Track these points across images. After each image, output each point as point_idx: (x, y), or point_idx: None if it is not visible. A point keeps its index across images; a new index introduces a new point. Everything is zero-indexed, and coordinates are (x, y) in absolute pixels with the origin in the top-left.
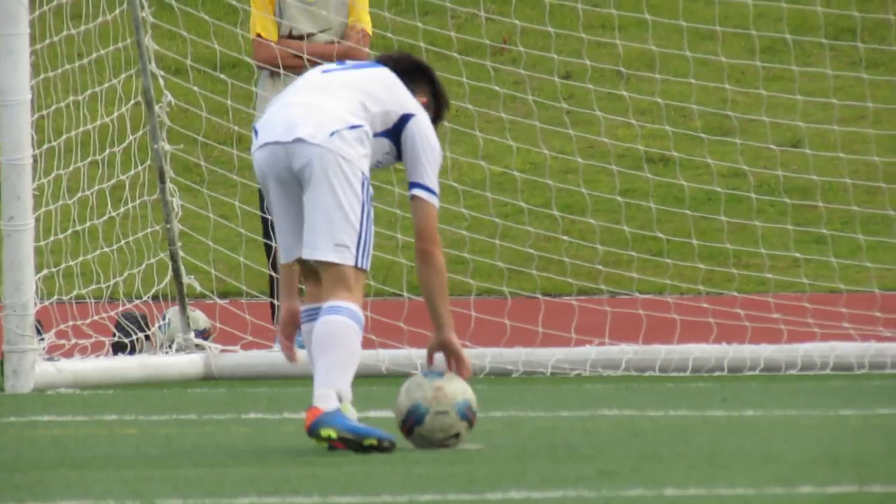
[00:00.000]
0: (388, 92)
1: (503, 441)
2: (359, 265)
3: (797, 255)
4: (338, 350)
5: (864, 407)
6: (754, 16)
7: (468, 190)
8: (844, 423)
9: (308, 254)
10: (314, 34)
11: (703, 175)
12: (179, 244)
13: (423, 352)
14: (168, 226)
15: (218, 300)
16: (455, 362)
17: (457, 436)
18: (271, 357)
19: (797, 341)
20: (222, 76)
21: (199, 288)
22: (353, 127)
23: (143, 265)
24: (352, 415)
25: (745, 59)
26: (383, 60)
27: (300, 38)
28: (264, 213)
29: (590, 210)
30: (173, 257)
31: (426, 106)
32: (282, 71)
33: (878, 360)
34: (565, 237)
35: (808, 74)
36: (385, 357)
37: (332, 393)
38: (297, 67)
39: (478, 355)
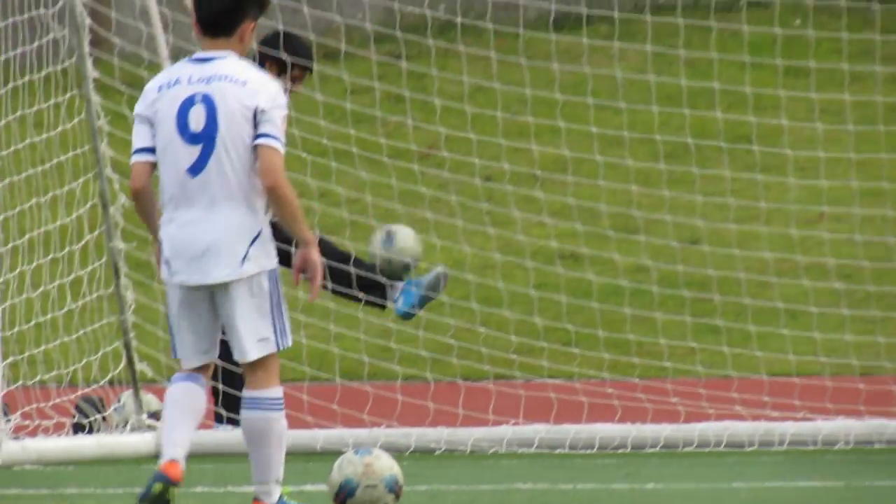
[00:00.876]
0: (238, 118)
1: None
2: (279, 349)
3: (693, 344)
4: (269, 446)
5: (755, 480)
6: (658, 123)
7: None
8: (736, 495)
9: (240, 357)
10: None
11: (610, 270)
12: (133, 334)
13: (356, 431)
14: (122, 317)
15: (168, 383)
16: (310, 278)
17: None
18: (216, 436)
19: (693, 421)
20: None
21: (150, 374)
22: (254, 240)
23: (100, 353)
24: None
25: (649, 163)
26: (217, 27)
27: None
28: None
29: (506, 303)
30: (127, 346)
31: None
32: None
33: (767, 439)
34: (482, 329)
35: (706, 177)
36: (320, 436)
37: (272, 486)
38: None
39: (404, 435)
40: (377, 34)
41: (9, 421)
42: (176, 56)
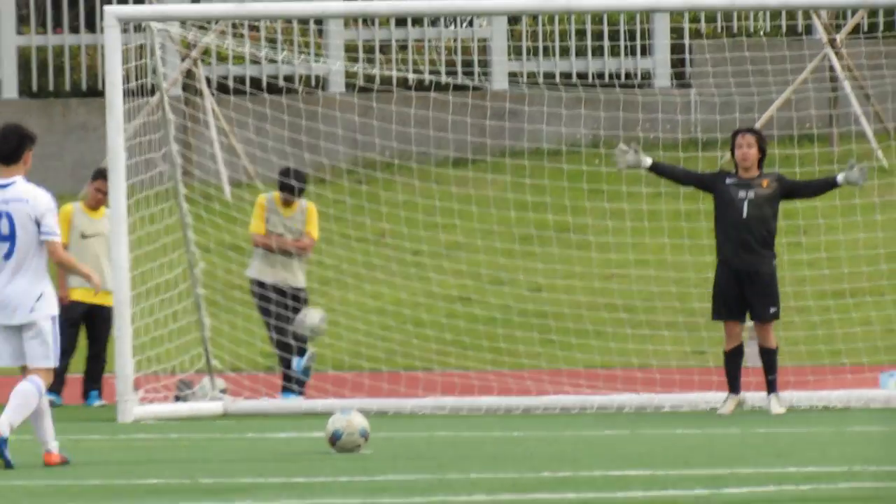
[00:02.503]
0: (25, 220)
1: (381, 448)
2: (52, 365)
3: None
4: (24, 406)
5: (579, 430)
6: (515, 221)
7: (363, 315)
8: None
9: (29, 364)
10: (283, 234)
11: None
12: (209, 343)
13: (347, 402)
14: (202, 333)
15: (230, 373)
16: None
17: (359, 446)
18: (260, 404)
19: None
20: (231, 253)
21: (219, 366)
22: (38, 298)
23: (189, 354)
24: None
25: (508, 244)
26: (7, 159)
27: (276, 234)
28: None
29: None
30: (205, 350)
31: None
32: (266, 249)
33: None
34: (415, 340)
35: (545, 254)
36: (319, 404)
37: (5, 424)
38: (270, 248)
39: (371, 403)
40: (347, 169)
41: (137, 393)
42: (240, 184)
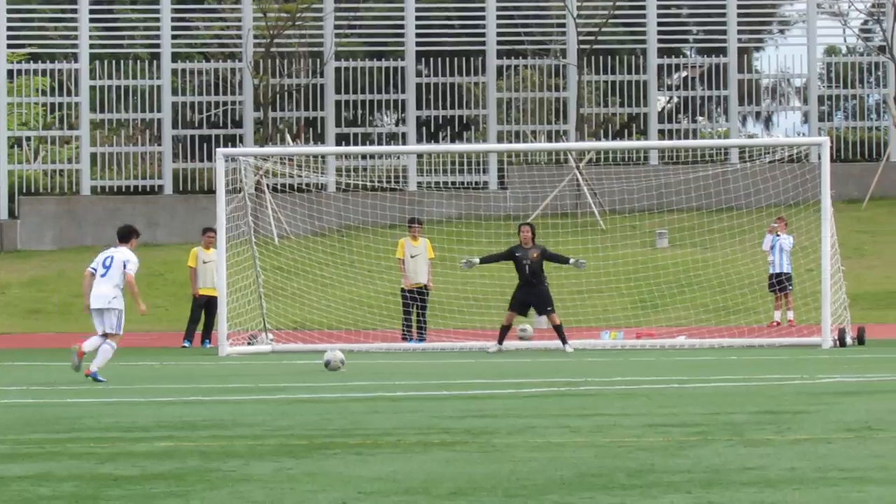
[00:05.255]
0: (119, 263)
1: (355, 368)
2: (119, 333)
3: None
4: (105, 356)
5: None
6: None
7: (350, 301)
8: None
9: (108, 330)
10: (415, 256)
11: None
12: (266, 316)
13: (335, 345)
14: (262, 311)
15: (276, 329)
16: (142, 309)
17: (339, 368)
18: (290, 346)
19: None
20: (278, 272)
21: (270, 327)
22: (113, 298)
23: (255, 321)
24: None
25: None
26: (121, 239)
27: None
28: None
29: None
30: (263, 319)
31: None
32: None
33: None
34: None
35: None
36: (320, 346)
37: (96, 367)
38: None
39: (350, 347)
40: (338, 230)
41: (228, 341)
42: (282, 237)
